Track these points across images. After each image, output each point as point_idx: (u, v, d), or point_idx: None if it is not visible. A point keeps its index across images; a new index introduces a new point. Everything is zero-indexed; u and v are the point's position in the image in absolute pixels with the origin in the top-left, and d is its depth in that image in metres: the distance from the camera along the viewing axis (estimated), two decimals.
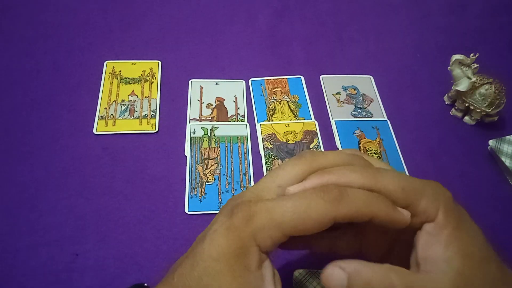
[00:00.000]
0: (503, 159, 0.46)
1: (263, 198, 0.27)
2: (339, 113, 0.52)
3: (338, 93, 0.54)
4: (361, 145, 0.49)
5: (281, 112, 0.51)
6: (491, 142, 0.48)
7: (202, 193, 0.43)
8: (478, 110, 0.50)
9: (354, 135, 0.49)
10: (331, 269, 0.27)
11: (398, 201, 0.27)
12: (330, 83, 0.55)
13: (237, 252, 0.25)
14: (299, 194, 0.27)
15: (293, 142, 0.48)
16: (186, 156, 0.46)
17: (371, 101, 0.53)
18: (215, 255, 0.25)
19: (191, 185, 0.44)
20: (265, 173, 0.45)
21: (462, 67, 0.49)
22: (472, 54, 0.48)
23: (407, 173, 0.47)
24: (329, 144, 0.49)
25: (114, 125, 0.48)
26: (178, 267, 0.27)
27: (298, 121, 0.50)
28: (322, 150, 0.48)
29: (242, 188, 0.44)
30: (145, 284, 0.30)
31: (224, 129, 0.49)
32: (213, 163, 0.46)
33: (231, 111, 0.51)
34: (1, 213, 0.41)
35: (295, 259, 0.40)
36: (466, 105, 0.51)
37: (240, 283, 0.25)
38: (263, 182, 0.29)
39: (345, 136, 0.49)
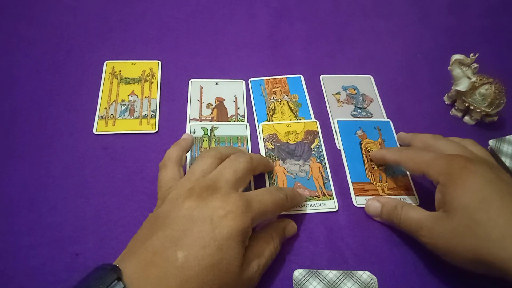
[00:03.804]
0: (503, 159, 0.46)
1: (222, 186, 0.35)
2: (339, 113, 0.52)
3: (338, 93, 0.54)
4: (362, 145, 0.49)
5: (281, 112, 0.51)
6: (491, 142, 0.48)
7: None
8: (478, 110, 0.50)
9: (356, 135, 0.49)
10: (371, 201, 0.43)
11: (413, 169, 0.41)
12: (330, 83, 0.55)
13: (244, 231, 0.33)
14: (271, 191, 0.38)
15: (294, 142, 0.48)
16: (186, 156, 0.46)
17: (371, 101, 0.53)
18: (227, 236, 0.32)
19: None
20: (266, 173, 0.45)
21: (462, 67, 0.49)
22: (472, 54, 0.48)
23: (408, 173, 0.47)
24: (329, 144, 0.49)
25: (114, 125, 0.48)
26: (175, 250, 0.31)
27: (300, 121, 0.50)
28: (324, 150, 0.48)
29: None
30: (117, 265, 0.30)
31: (224, 129, 0.49)
32: None
33: (231, 111, 0.51)
34: (1, 213, 0.41)
35: (295, 259, 0.40)
36: (466, 105, 0.51)
37: (243, 252, 0.33)
38: (220, 172, 0.37)
39: (347, 136, 0.49)
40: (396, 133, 0.50)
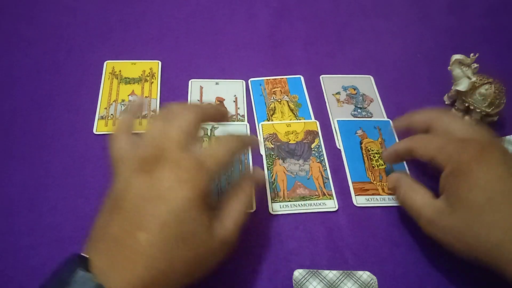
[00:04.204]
0: None
1: (169, 150, 0.32)
2: (339, 113, 0.52)
3: (338, 93, 0.54)
4: (363, 145, 0.49)
5: (281, 112, 0.51)
6: None
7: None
8: (478, 110, 0.50)
9: (356, 135, 0.49)
10: (391, 174, 0.43)
11: (422, 155, 0.39)
12: (330, 83, 0.55)
13: (202, 195, 0.31)
14: (224, 139, 0.36)
15: (294, 142, 0.48)
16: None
17: (371, 101, 0.53)
18: (185, 207, 0.30)
19: None
20: (265, 173, 0.45)
21: (462, 67, 0.49)
22: (472, 54, 0.48)
23: (408, 172, 0.47)
24: (330, 144, 0.49)
25: (114, 125, 0.48)
26: (135, 234, 0.29)
27: (300, 121, 0.50)
28: (323, 150, 0.48)
29: None
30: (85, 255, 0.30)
31: (224, 129, 0.49)
32: None
33: (231, 111, 0.51)
34: (1, 213, 0.41)
35: (295, 259, 0.40)
36: (466, 105, 0.51)
37: (208, 215, 0.32)
38: (165, 133, 0.33)
39: (347, 135, 0.49)
40: (396, 133, 0.50)
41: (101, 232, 0.31)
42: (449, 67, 0.50)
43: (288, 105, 0.52)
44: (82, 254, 0.29)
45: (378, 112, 0.52)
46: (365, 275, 0.38)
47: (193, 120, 0.35)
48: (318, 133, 0.49)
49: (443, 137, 0.39)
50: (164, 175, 0.31)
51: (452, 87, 0.51)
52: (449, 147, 0.37)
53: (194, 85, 0.53)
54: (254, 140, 0.41)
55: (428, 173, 0.43)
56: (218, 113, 0.40)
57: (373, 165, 0.47)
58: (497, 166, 0.35)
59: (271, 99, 0.53)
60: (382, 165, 0.47)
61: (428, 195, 0.38)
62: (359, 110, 0.52)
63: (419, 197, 0.38)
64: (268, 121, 0.50)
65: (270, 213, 0.43)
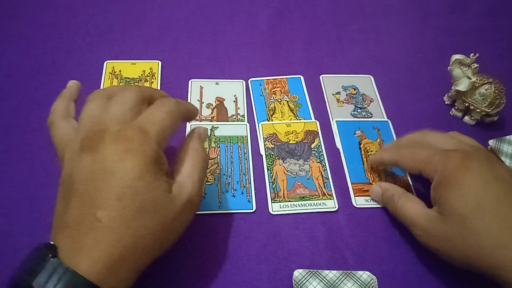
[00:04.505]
0: (503, 159, 0.46)
1: (110, 124, 0.32)
2: (339, 113, 0.52)
3: (338, 92, 0.54)
4: (361, 145, 0.49)
5: (281, 112, 0.51)
6: (491, 142, 0.48)
7: (202, 193, 0.43)
8: (478, 110, 0.50)
9: (355, 135, 0.49)
10: (374, 186, 0.44)
11: (410, 168, 0.41)
12: (330, 83, 0.55)
13: (152, 162, 0.31)
14: (158, 105, 0.35)
15: (294, 142, 0.48)
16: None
17: (371, 101, 0.53)
18: (136, 176, 0.30)
19: None
20: (265, 173, 0.45)
21: (462, 67, 0.49)
22: (472, 54, 0.48)
23: (407, 173, 0.47)
24: (330, 144, 0.49)
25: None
26: (94, 213, 0.29)
27: (300, 121, 0.50)
28: (323, 150, 0.48)
29: (242, 188, 0.44)
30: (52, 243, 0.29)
31: (224, 129, 0.49)
32: (213, 163, 0.46)
33: (231, 111, 0.51)
34: (1, 213, 0.41)
35: (295, 259, 0.40)
36: (466, 105, 0.51)
37: (164, 180, 0.32)
38: (105, 110, 0.33)
39: (346, 136, 0.49)
40: (395, 133, 0.50)
41: (62, 219, 0.30)
42: (449, 67, 0.50)
43: (288, 105, 0.52)
44: (48, 242, 0.29)
45: (378, 112, 0.52)
46: (365, 275, 0.39)
47: (135, 98, 0.34)
48: (318, 133, 0.49)
49: (428, 149, 0.39)
50: (108, 149, 0.30)
51: (452, 87, 0.51)
52: (434, 159, 0.37)
53: (194, 85, 0.53)
54: (191, 107, 0.40)
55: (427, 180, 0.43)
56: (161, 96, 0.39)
57: (372, 166, 0.47)
58: (482, 173, 0.35)
59: (271, 99, 0.53)
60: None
61: (421, 205, 0.38)
62: (359, 110, 0.52)
63: (413, 207, 0.39)
64: (268, 121, 0.50)
65: (270, 213, 0.43)
